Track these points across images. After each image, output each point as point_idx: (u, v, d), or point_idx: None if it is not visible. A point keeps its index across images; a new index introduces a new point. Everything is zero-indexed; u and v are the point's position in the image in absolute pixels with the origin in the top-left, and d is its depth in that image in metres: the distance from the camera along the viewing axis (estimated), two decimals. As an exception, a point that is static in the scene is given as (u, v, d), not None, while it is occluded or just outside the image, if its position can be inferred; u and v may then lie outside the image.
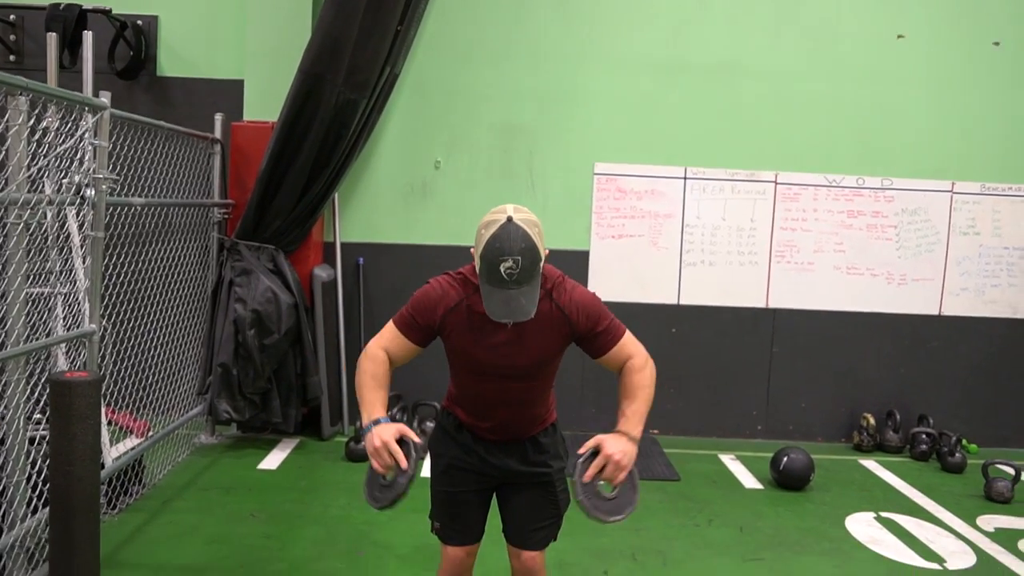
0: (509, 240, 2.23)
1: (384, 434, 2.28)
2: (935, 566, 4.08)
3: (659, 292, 6.11)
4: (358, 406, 2.44)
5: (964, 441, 5.96)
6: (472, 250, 2.35)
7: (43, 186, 3.70)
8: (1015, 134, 6.13)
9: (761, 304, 6.16)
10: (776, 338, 6.17)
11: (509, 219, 2.26)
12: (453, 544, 2.66)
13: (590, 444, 2.35)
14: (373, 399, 2.40)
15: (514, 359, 2.44)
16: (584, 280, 5.91)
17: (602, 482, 2.36)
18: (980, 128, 6.11)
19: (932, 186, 6.13)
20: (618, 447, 2.32)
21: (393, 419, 5.76)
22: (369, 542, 4.05)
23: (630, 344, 2.50)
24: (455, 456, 2.63)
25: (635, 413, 2.41)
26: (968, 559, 4.18)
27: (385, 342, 2.48)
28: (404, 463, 2.27)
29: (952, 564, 4.11)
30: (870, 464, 5.73)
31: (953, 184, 6.13)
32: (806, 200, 6.12)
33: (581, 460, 2.36)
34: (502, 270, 2.22)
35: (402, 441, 2.30)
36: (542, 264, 2.32)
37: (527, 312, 2.28)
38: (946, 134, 6.11)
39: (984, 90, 6.09)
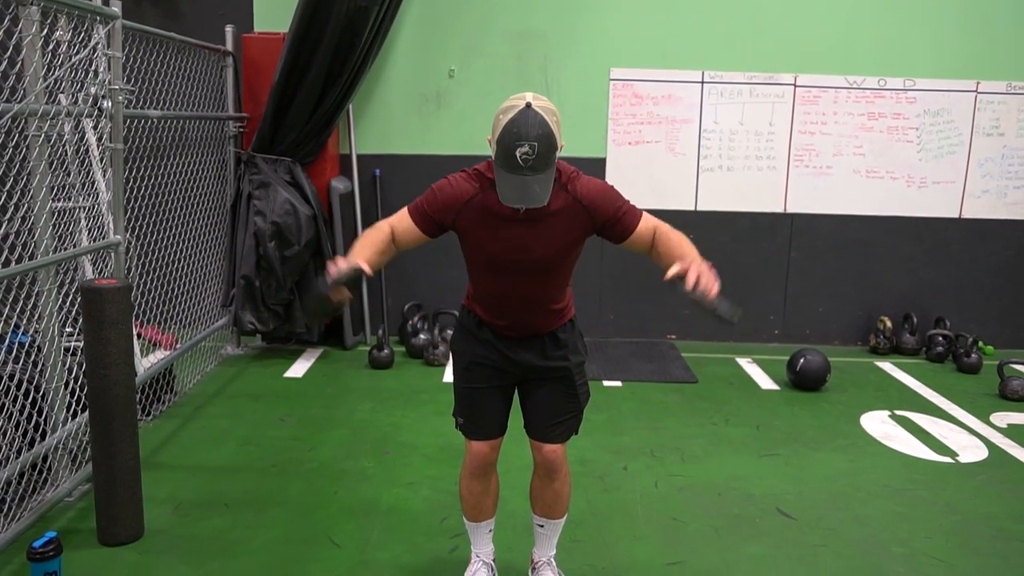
0: (527, 125, 2.23)
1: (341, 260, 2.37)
2: (947, 460, 4.17)
3: (676, 198, 6.09)
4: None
5: (980, 343, 5.99)
6: (489, 139, 2.35)
7: (59, 100, 3.71)
8: (1043, 30, 5.96)
9: (779, 209, 6.13)
10: (794, 243, 6.17)
11: (528, 105, 2.25)
12: (477, 439, 2.71)
13: (671, 273, 2.30)
14: (357, 250, 2.48)
15: (530, 253, 2.46)
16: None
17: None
18: (1006, 25, 5.92)
19: (956, 86, 6.00)
20: (696, 262, 2.31)
21: (414, 328, 5.81)
22: (395, 443, 4.18)
23: (650, 220, 2.53)
24: (476, 353, 2.67)
25: (692, 252, 2.41)
26: (980, 453, 4.27)
27: (393, 220, 2.55)
28: (340, 268, 2.32)
29: (964, 458, 4.20)
30: (886, 366, 5.80)
31: (978, 84, 6.00)
32: (826, 103, 6.02)
33: (673, 279, 2.29)
34: (518, 155, 2.23)
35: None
36: (558, 153, 2.32)
37: (540, 199, 2.30)
38: (971, 32, 5.94)
39: (1012, -16, 5.89)
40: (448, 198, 2.47)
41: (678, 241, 2.50)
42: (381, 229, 2.54)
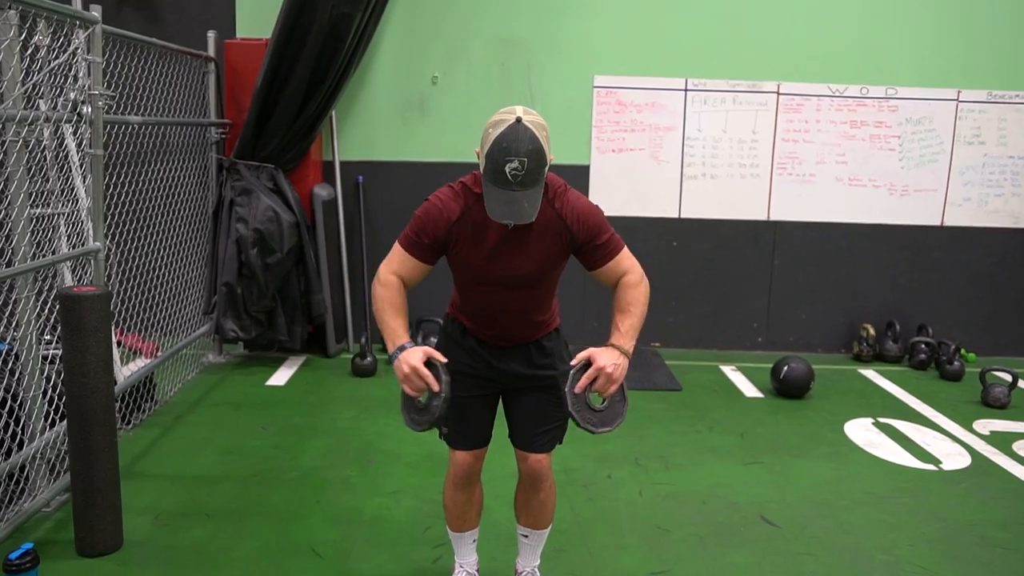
0: (517, 141, 2.20)
1: (411, 359, 2.33)
2: (931, 467, 4.18)
3: (660, 206, 6.10)
4: (380, 334, 2.46)
5: (963, 350, 6.03)
6: (477, 151, 2.33)
7: (38, 105, 3.67)
8: (1023, 40, 6.01)
9: (762, 216, 6.15)
10: (777, 250, 6.19)
11: (518, 120, 2.22)
12: (461, 448, 2.68)
13: (582, 356, 2.39)
14: (395, 326, 2.42)
15: (516, 267, 2.44)
16: (584, 195, 5.84)
17: (592, 393, 2.42)
18: (987, 34, 5.98)
19: (937, 95, 6.05)
20: (610, 360, 2.36)
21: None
22: (378, 451, 4.15)
23: (627, 259, 2.50)
24: (461, 362, 2.63)
25: (629, 328, 2.43)
26: (963, 460, 4.29)
27: (395, 265, 2.47)
28: (435, 385, 2.35)
29: (948, 465, 4.21)
30: (869, 373, 5.82)
31: (959, 92, 6.05)
32: (809, 111, 6.05)
33: (573, 371, 2.40)
34: (507, 171, 2.20)
35: (430, 364, 2.37)
36: (547, 168, 2.30)
37: (529, 215, 2.28)
38: (952, 41, 5.99)
39: (992, -6, 5.96)
40: (436, 218, 2.42)
41: (632, 300, 2.45)
42: (391, 284, 2.46)
